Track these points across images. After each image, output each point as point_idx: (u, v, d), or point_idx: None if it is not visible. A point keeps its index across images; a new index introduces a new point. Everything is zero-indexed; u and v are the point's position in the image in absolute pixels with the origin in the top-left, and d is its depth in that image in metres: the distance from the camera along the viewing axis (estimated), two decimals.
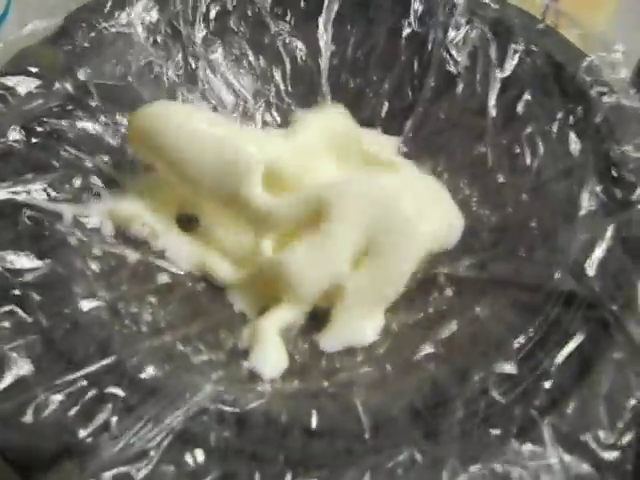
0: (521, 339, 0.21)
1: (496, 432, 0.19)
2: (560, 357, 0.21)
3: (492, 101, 0.28)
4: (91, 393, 0.19)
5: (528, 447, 0.18)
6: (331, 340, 0.24)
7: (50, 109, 0.26)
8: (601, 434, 0.18)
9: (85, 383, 0.19)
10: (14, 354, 0.19)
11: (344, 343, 0.24)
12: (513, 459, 0.18)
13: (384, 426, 0.19)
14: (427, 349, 0.22)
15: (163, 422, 0.18)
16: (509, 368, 0.21)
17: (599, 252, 0.22)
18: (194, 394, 0.19)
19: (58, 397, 0.19)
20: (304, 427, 0.19)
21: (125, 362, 0.20)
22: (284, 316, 0.24)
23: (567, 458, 0.18)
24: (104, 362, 0.20)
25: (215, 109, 0.31)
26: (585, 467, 0.18)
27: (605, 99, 0.26)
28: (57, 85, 0.27)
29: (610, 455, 0.18)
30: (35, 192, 0.24)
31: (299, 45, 0.31)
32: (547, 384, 0.20)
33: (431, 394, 0.20)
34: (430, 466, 0.18)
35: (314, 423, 0.19)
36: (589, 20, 0.33)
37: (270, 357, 0.22)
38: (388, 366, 0.22)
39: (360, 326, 0.24)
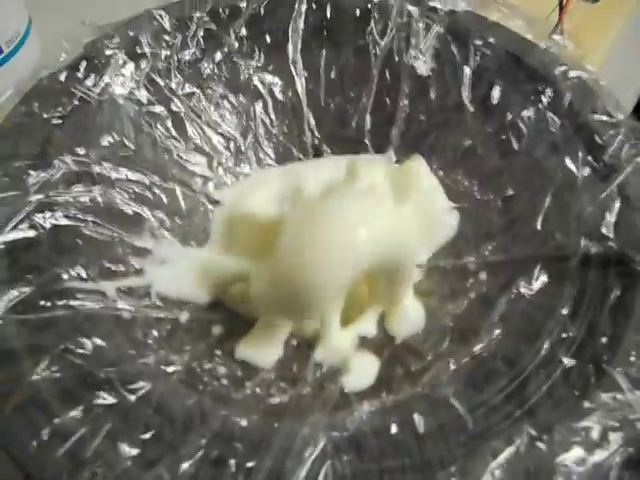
0: (568, 304, 0.24)
1: (579, 392, 0.21)
2: (606, 312, 0.23)
3: (467, 96, 0.31)
4: (210, 457, 0.20)
5: (610, 396, 0.21)
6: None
7: (56, 188, 0.26)
8: None
9: (202, 452, 0.20)
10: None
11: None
12: (602, 411, 0.20)
13: (482, 412, 0.21)
14: (487, 333, 0.24)
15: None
16: (568, 333, 0.23)
17: (610, 214, 0.25)
18: (308, 429, 0.20)
19: (185, 465, 0.19)
20: (413, 435, 0.21)
21: (227, 421, 0.21)
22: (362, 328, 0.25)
23: None
24: (209, 426, 0.20)
25: (209, 155, 0.31)
26: None
27: (569, 75, 0.29)
28: (56, 162, 0.26)
29: None
30: (72, 275, 0.24)
31: (273, 78, 0.32)
32: (604, 339, 0.22)
33: (510, 371, 0.22)
34: (538, 437, 0.20)
35: (421, 428, 0.21)
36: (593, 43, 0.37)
37: (366, 368, 0.24)
38: (457, 358, 0.24)
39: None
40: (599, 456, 0.19)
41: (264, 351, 0.25)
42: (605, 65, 0.41)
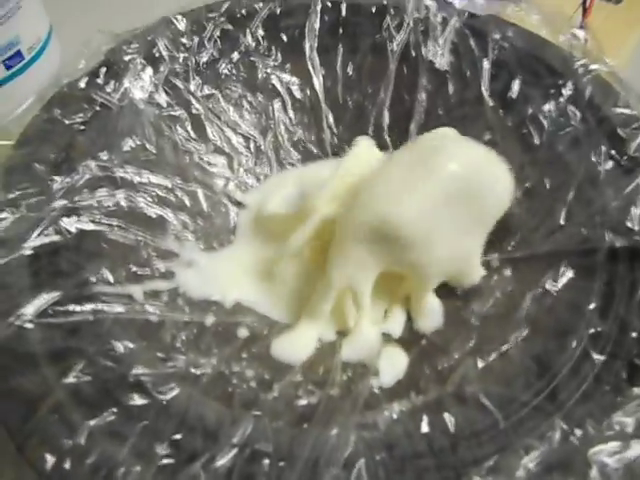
0: (594, 299, 0.24)
1: (609, 386, 0.21)
2: (634, 306, 0.23)
3: (486, 89, 0.31)
4: (243, 456, 0.20)
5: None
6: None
7: (80, 193, 0.26)
8: None
9: (235, 451, 0.20)
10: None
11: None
12: (632, 404, 0.20)
13: (512, 408, 0.21)
14: (514, 331, 0.24)
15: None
16: (595, 328, 0.23)
17: (635, 207, 0.25)
18: (338, 429, 0.20)
19: (219, 464, 0.19)
20: (445, 433, 0.21)
21: (258, 423, 0.21)
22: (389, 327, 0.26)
23: None
24: (240, 427, 0.21)
25: (230, 156, 0.31)
26: None
27: (589, 69, 0.29)
28: (80, 167, 0.26)
29: None
30: (99, 279, 0.24)
31: (291, 76, 0.32)
32: (633, 333, 0.22)
33: (539, 369, 0.22)
34: (570, 431, 0.20)
35: (452, 426, 0.21)
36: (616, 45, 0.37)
37: (395, 362, 0.25)
38: (485, 357, 0.24)
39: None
40: (634, 449, 0.19)
41: (297, 349, 0.26)
42: (629, 66, 0.40)
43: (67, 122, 0.27)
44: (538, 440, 0.20)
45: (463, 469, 0.20)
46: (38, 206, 0.25)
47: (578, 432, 0.20)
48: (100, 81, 0.28)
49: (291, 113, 0.33)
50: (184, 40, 0.30)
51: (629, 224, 0.25)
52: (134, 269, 0.25)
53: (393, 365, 0.25)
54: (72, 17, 0.40)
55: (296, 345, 0.26)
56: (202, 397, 0.22)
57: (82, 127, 0.27)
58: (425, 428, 0.21)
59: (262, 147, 0.32)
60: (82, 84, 0.28)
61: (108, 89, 0.28)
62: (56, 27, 0.38)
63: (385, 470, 0.20)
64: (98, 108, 0.28)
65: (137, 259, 0.26)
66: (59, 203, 0.25)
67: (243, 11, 0.32)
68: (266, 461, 0.20)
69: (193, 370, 0.23)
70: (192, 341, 0.24)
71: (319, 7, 0.32)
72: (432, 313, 0.27)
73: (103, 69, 0.29)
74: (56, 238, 0.24)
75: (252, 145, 0.32)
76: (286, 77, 0.32)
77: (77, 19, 0.37)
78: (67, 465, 0.19)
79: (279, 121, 0.32)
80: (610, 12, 0.44)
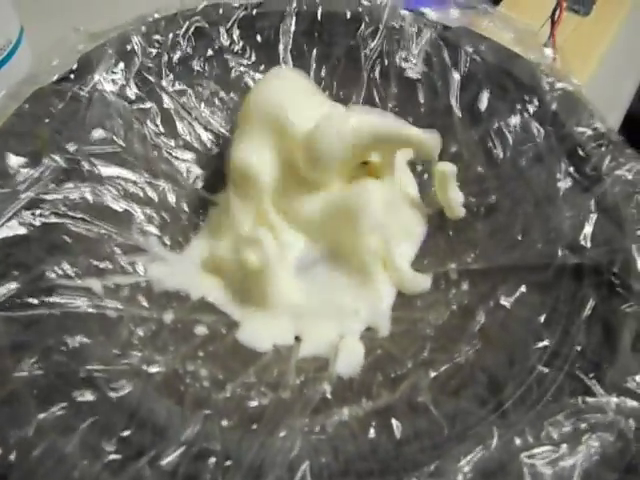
0: (545, 315, 0.24)
1: (552, 398, 0.22)
2: (583, 322, 0.24)
3: (455, 101, 0.31)
4: (190, 454, 0.20)
5: (583, 401, 0.21)
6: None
7: (46, 185, 0.26)
8: (637, 378, 0.22)
9: (182, 449, 0.20)
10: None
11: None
12: (575, 414, 0.21)
13: (459, 418, 0.22)
14: (466, 344, 0.25)
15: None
16: (544, 342, 0.24)
17: (589, 224, 0.26)
18: (287, 431, 0.21)
19: (164, 462, 0.20)
20: (390, 439, 0.21)
21: (206, 421, 0.21)
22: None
23: (617, 401, 0.21)
24: (189, 425, 0.21)
25: (199, 152, 0.31)
26: (635, 405, 0.21)
27: (555, 87, 0.30)
28: (46, 160, 0.26)
29: None
30: (59, 273, 0.24)
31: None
32: (579, 348, 0.23)
33: (489, 382, 0.23)
34: (509, 440, 0.20)
35: (398, 433, 0.21)
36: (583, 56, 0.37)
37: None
38: (437, 367, 0.24)
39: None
40: (568, 457, 0.20)
41: (263, 335, 0.27)
42: (595, 77, 0.41)
43: (35, 114, 0.27)
44: (478, 446, 0.20)
45: (404, 473, 0.20)
46: (2, 198, 0.25)
47: (518, 440, 0.20)
48: (71, 74, 0.28)
49: None
50: (158, 37, 0.30)
51: (582, 241, 0.26)
52: (95, 263, 0.25)
53: (350, 357, 0.25)
54: (43, 19, 0.39)
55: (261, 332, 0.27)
56: (154, 394, 0.22)
57: (50, 120, 0.27)
58: (372, 434, 0.21)
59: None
60: (52, 77, 0.28)
61: (78, 82, 0.28)
62: (27, 29, 0.38)
63: (329, 473, 0.20)
64: (67, 100, 0.28)
65: (100, 253, 0.26)
66: (23, 195, 0.25)
67: (220, 11, 0.32)
68: (212, 460, 0.20)
69: (147, 367, 0.23)
70: (149, 338, 0.24)
71: (295, 11, 0.32)
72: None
73: (75, 65, 0.28)
74: (19, 231, 0.24)
75: (222, 142, 0.32)
76: (259, 77, 0.32)
77: (48, 21, 0.37)
78: (12, 457, 0.19)
79: None
80: (578, 24, 0.46)
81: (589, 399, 0.21)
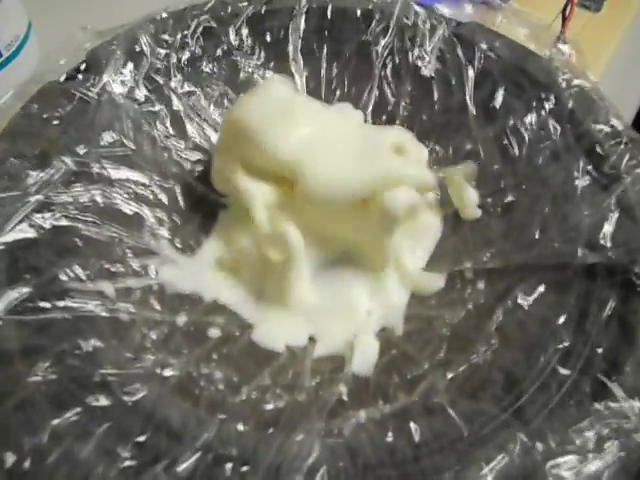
0: (564, 315, 0.24)
1: (573, 402, 0.21)
2: (602, 323, 0.23)
3: (470, 98, 0.31)
4: (206, 460, 0.20)
5: (605, 405, 0.21)
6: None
7: (56, 188, 0.26)
8: None
9: (199, 455, 0.20)
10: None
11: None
12: (597, 420, 0.21)
13: (478, 421, 0.21)
14: (483, 343, 0.24)
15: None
16: (564, 343, 0.23)
17: (608, 224, 0.25)
18: (303, 435, 0.21)
19: (181, 468, 0.19)
20: (409, 443, 0.21)
21: (223, 426, 0.21)
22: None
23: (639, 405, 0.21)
24: (205, 430, 0.21)
25: (208, 153, 0.31)
26: None
27: (572, 84, 0.29)
28: (56, 162, 0.26)
29: None
30: (71, 276, 0.24)
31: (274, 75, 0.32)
32: (600, 349, 0.23)
33: (507, 383, 0.23)
34: (531, 444, 0.20)
35: (417, 436, 0.21)
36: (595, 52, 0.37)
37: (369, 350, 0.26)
38: (454, 368, 0.24)
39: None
40: (592, 464, 0.19)
41: (278, 335, 0.26)
42: (606, 74, 0.41)
43: (44, 116, 0.27)
44: (499, 452, 0.20)
45: (424, 479, 0.20)
46: (12, 201, 0.24)
47: (540, 446, 0.20)
48: (80, 76, 0.28)
49: None
50: (166, 37, 0.30)
51: (602, 240, 0.25)
52: (107, 266, 0.25)
53: (365, 353, 0.25)
54: (52, 14, 0.39)
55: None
56: (169, 398, 0.22)
57: (59, 122, 0.27)
58: (390, 437, 0.21)
59: None
60: (61, 78, 0.28)
61: (87, 83, 0.28)
62: (35, 24, 0.38)
63: (347, 478, 0.20)
64: (76, 103, 0.27)
65: (111, 256, 0.26)
66: (33, 198, 0.25)
67: (228, 9, 0.32)
68: (229, 465, 0.20)
69: (161, 371, 0.22)
70: (162, 341, 0.24)
71: (305, 9, 0.32)
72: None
73: (83, 65, 0.28)
74: (29, 234, 0.24)
75: None
76: (269, 76, 0.32)
77: (57, 17, 0.37)
78: (27, 464, 0.19)
79: None
80: (589, 20, 0.45)
81: (612, 404, 0.21)
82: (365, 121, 0.32)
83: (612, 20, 0.46)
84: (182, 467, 0.19)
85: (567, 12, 0.37)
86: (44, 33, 0.38)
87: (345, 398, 0.23)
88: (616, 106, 0.28)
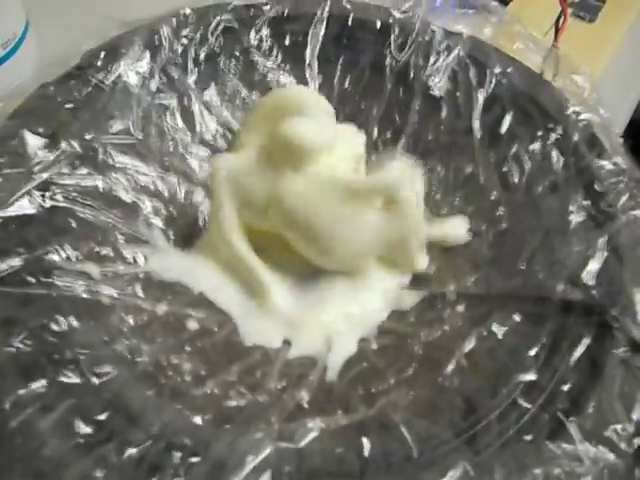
0: (535, 348, 0.24)
1: (530, 437, 0.21)
2: (572, 361, 0.23)
3: (477, 122, 0.31)
4: (157, 446, 0.20)
5: (560, 446, 0.21)
6: None
7: (60, 169, 0.27)
8: (619, 427, 0.21)
9: (150, 441, 0.20)
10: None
11: None
12: (549, 460, 0.20)
13: (430, 444, 0.21)
14: (451, 366, 0.24)
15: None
16: (530, 377, 0.23)
17: (595, 262, 0.25)
18: (257, 435, 0.21)
19: (131, 451, 0.20)
20: (358, 457, 0.21)
21: (179, 415, 0.22)
22: None
23: (594, 451, 0.20)
24: (162, 417, 0.21)
25: (214, 149, 0.32)
26: (611, 457, 0.20)
27: (580, 117, 0.29)
28: (64, 144, 0.27)
29: (631, 446, 0.21)
30: (60, 255, 0.25)
31: (288, 79, 0.33)
32: (565, 387, 0.22)
33: (466, 409, 0.23)
34: (479, 477, 0.20)
35: (367, 451, 0.21)
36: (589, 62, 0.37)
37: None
38: (419, 387, 0.24)
39: None
40: None
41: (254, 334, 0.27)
42: (601, 85, 0.40)
43: (59, 99, 0.28)
44: (439, 476, 0.20)
45: None
46: (17, 177, 0.26)
47: (483, 477, 0.20)
48: (98, 62, 0.29)
49: None
50: (187, 31, 0.31)
51: (585, 278, 0.25)
52: (97, 249, 0.26)
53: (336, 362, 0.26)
54: (50, 12, 0.40)
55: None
56: (133, 383, 0.22)
57: (72, 105, 0.28)
58: (340, 448, 0.21)
59: None
60: (80, 64, 0.29)
61: (104, 71, 0.29)
62: (33, 22, 0.38)
63: None
64: (91, 89, 0.29)
65: (103, 240, 0.27)
66: (37, 177, 0.26)
67: (251, 11, 0.32)
68: (178, 454, 0.20)
69: (132, 356, 0.23)
70: (139, 327, 0.25)
71: (326, 16, 0.32)
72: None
73: (102, 52, 0.29)
74: (28, 210, 0.25)
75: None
76: (283, 79, 0.33)
77: (55, 14, 0.37)
78: None
79: None
80: (584, 30, 0.45)
81: (566, 445, 0.21)
82: (370, 138, 0.32)
83: (607, 31, 0.46)
84: (133, 450, 0.20)
85: (560, 23, 0.37)
86: (42, 31, 0.38)
87: (305, 405, 0.24)
88: (616, 142, 0.28)
